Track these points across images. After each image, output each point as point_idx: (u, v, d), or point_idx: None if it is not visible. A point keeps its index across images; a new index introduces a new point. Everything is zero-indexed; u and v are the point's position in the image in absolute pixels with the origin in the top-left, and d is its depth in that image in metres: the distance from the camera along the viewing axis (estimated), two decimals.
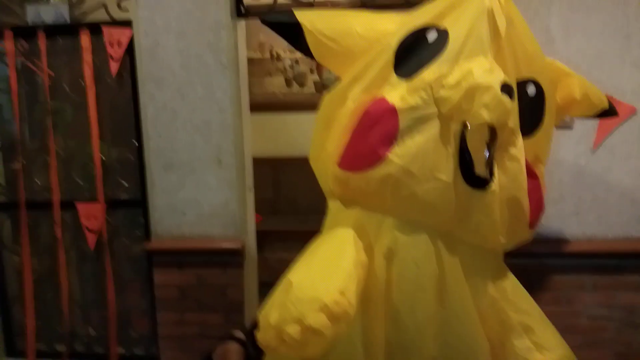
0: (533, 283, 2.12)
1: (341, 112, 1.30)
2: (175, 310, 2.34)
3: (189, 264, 2.30)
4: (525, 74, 1.29)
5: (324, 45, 1.31)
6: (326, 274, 1.18)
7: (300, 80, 4.02)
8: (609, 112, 1.60)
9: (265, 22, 1.36)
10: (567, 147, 2.04)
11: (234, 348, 1.89)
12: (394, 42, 1.25)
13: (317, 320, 1.08)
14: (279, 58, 3.96)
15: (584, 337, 2.16)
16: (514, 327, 1.34)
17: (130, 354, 2.57)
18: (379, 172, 1.20)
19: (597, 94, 1.54)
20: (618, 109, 1.99)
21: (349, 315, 1.13)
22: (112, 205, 2.40)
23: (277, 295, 1.19)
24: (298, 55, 3.87)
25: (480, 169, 1.19)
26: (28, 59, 2.37)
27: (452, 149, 1.18)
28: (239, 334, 1.93)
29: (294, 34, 1.31)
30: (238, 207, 2.26)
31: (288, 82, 4.03)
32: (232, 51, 2.17)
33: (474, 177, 1.19)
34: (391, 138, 1.19)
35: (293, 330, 1.08)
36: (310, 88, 3.99)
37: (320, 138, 1.37)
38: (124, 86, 2.32)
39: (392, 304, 1.28)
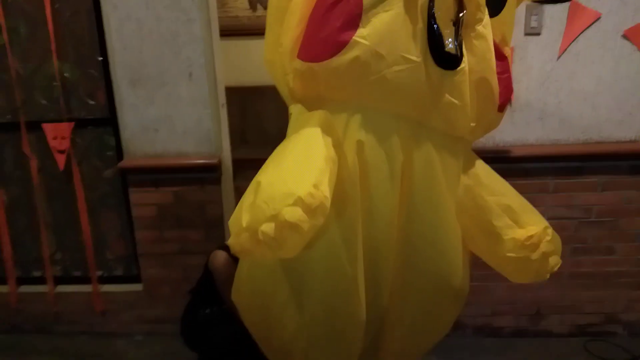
0: None
1: (293, 2, 1.22)
2: (153, 228, 2.36)
3: (165, 182, 2.29)
4: None
5: None
6: (297, 170, 1.13)
7: (265, 2, 3.87)
8: None
9: None
10: (533, 54, 2.09)
11: (220, 254, 1.96)
12: None
13: (293, 214, 1.03)
14: None
15: None
16: (492, 209, 1.37)
17: (110, 274, 2.60)
18: (345, 57, 1.14)
19: None
20: (583, 14, 2.06)
21: (325, 207, 1.09)
22: (80, 124, 2.32)
23: (246, 198, 1.11)
24: None
25: (449, 46, 1.15)
26: None
27: (419, 25, 1.13)
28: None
29: None
30: (212, 124, 2.24)
31: (252, 4, 3.88)
32: None
33: (443, 57, 1.16)
34: (355, 18, 1.12)
35: (268, 228, 1.03)
36: None
37: (273, 35, 1.29)
38: None
39: (367, 196, 1.28)
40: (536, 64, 2.11)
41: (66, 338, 2.56)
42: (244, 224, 1.06)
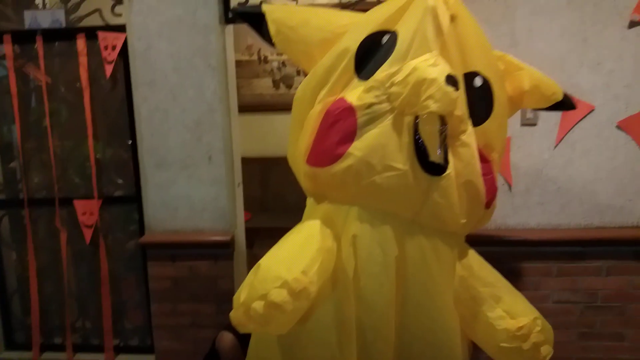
0: (503, 270, 2.27)
1: (310, 113, 1.43)
2: (168, 301, 2.46)
3: (182, 257, 2.42)
4: (472, 67, 1.41)
5: (283, 33, 1.47)
6: (291, 257, 1.32)
7: (287, 81, 4.17)
8: (564, 104, 1.68)
9: (234, 13, 1.54)
10: (531, 143, 2.20)
11: (227, 336, 2.06)
12: (352, 47, 1.38)
13: (279, 295, 1.21)
14: (266, 60, 4.11)
15: (551, 319, 2.24)
16: (485, 300, 1.46)
17: (125, 344, 2.69)
18: (341, 165, 1.33)
19: (549, 86, 1.62)
20: (577, 107, 2.18)
21: (308, 292, 1.26)
22: (108, 201, 2.52)
23: (248, 277, 1.33)
24: (285, 57, 4.02)
25: (434, 156, 1.30)
26: (26, 62, 2.49)
27: (407, 139, 1.30)
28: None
29: (259, 23, 1.47)
30: (228, 202, 2.39)
31: (275, 84, 4.18)
32: (221, 54, 2.30)
33: (430, 164, 1.31)
34: (351, 134, 1.33)
35: (258, 306, 1.21)
36: (296, 89, 4.13)
37: (294, 138, 1.51)
38: (118, 88, 2.45)
39: (360, 286, 1.39)
40: (534, 152, 2.21)
41: None
42: (241, 300, 1.27)
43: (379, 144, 1.31)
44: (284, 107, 4.14)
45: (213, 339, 2.15)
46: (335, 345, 1.38)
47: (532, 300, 2.27)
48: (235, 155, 2.47)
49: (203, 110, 2.30)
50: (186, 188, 2.38)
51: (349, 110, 1.32)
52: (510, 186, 2.23)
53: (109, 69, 2.35)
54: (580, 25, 2.09)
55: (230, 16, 2.33)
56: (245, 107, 3.84)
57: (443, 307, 1.46)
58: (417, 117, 1.29)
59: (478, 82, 1.42)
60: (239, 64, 2.81)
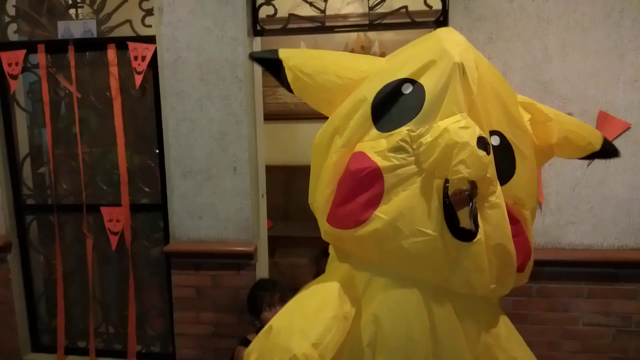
0: (532, 290, 2.23)
1: (326, 163, 1.37)
2: (191, 309, 2.48)
3: (205, 266, 2.43)
4: (493, 125, 1.33)
5: (301, 80, 1.40)
6: (304, 324, 1.26)
7: None
8: (605, 153, 1.52)
9: (252, 58, 1.50)
10: (563, 161, 2.13)
11: (243, 352, 2.05)
12: (370, 95, 1.31)
13: None
14: None
15: (581, 342, 2.24)
16: None
17: (148, 351, 2.71)
18: (367, 228, 1.26)
19: (582, 136, 1.48)
20: (613, 124, 2.11)
21: None
22: (134, 209, 2.55)
23: (260, 337, 1.30)
24: None
25: (465, 222, 1.23)
26: (58, 71, 2.54)
27: (436, 202, 1.24)
28: (251, 336, 2.09)
29: (276, 69, 1.41)
30: (251, 213, 2.39)
31: None
32: (249, 66, 2.31)
33: (459, 230, 1.24)
34: (377, 198, 1.25)
35: None
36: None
37: (314, 185, 1.44)
38: (146, 98, 2.48)
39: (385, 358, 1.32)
40: (566, 170, 2.15)
41: None
42: None
43: (408, 208, 1.24)
44: (308, 115, 4.21)
45: (232, 353, 2.15)
46: None
47: (562, 322, 2.23)
48: (260, 167, 2.47)
49: (229, 122, 2.31)
50: (211, 198, 2.39)
51: (376, 172, 1.25)
52: (541, 205, 2.17)
53: (138, 79, 2.38)
54: (618, 41, 2.03)
55: (258, 29, 2.34)
56: (270, 116, 3.85)
57: None
58: (446, 180, 1.23)
59: (495, 141, 1.33)
60: (264, 73, 2.81)
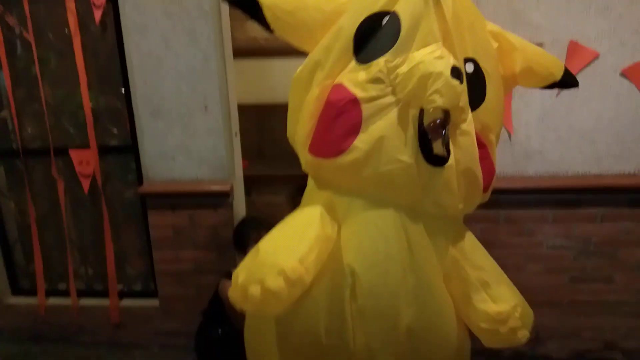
0: (499, 217, 2.33)
1: (307, 97, 1.38)
2: (170, 248, 2.51)
3: (182, 206, 2.44)
4: (467, 52, 1.36)
5: (281, 19, 1.37)
6: (290, 244, 1.33)
7: None
8: (565, 83, 1.57)
9: (226, 0, 1.42)
10: (533, 91, 2.15)
11: (228, 284, 2.12)
12: (351, 28, 1.32)
13: (275, 283, 1.22)
14: None
15: (545, 264, 2.39)
16: (472, 283, 1.49)
17: (129, 289, 2.76)
18: (346, 157, 1.31)
19: (545, 67, 1.53)
20: (582, 54, 2.13)
21: (303, 281, 1.28)
22: (104, 151, 2.49)
23: (247, 259, 1.35)
24: None
25: (438, 149, 1.29)
26: (9, 9, 2.37)
27: (411, 131, 1.28)
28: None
29: (253, 9, 1.35)
30: (225, 152, 2.37)
31: None
32: None
33: (433, 156, 1.30)
34: (356, 127, 1.29)
35: (255, 290, 1.23)
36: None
37: (293, 119, 1.46)
38: (107, 34, 2.36)
39: (364, 277, 1.39)
40: (535, 101, 2.18)
41: (88, 348, 2.73)
42: (239, 282, 1.28)
43: (385, 137, 1.29)
44: (280, 52, 4.09)
45: (216, 286, 2.21)
46: (323, 330, 1.40)
47: (527, 247, 2.35)
48: (232, 104, 2.42)
49: (197, 58, 2.23)
50: (182, 138, 2.36)
51: (354, 102, 1.29)
52: (510, 135, 2.22)
53: (97, 14, 2.25)
54: None
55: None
56: (239, 52, 3.72)
57: (442, 290, 1.49)
58: (421, 110, 1.26)
59: (469, 68, 1.37)
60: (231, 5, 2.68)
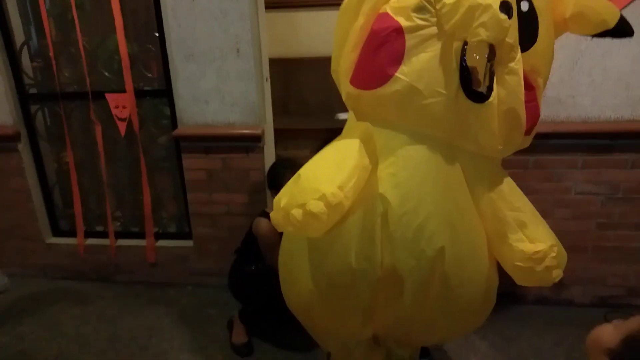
0: (529, 162, 2.34)
1: (353, 27, 1.38)
2: (204, 191, 2.59)
3: (215, 149, 2.51)
4: None
5: None
6: (330, 171, 1.39)
7: None
8: (619, 31, 1.48)
9: None
10: (567, 33, 2.12)
11: (263, 222, 2.20)
12: None
13: (316, 206, 1.29)
14: None
15: (572, 210, 2.40)
16: (509, 223, 1.49)
17: (164, 231, 2.88)
18: (387, 89, 1.32)
19: (598, 13, 1.44)
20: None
21: (343, 206, 1.34)
22: (139, 95, 2.55)
23: (288, 185, 1.42)
24: None
25: (477, 84, 1.29)
26: None
27: (453, 65, 1.28)
28: (269, 209, 2.23)
29: None
30: (257, 96, 2.41)
31: None
32: None
33: (473, 92, 1.29)
34: (399, 57, 1.29)
35: (297, 213, 1.31)
36: None
37: (338, 51, 1.47)
38: None
39: (396, 205, 1.40)
40: (570, 43, 2.15)
41: (125, 286, 2.88)
42: (282, 205, 1.36)
43: (427, 69, 1.29)
44: (307, 3, 4.05)
45: (250, 225, 2.30)
46: (353, 255, 1.45)
47: (555, 192, 2.37)
48: (263, 48, 2.44)
49: None
50: (215, 82, 2.40)
51: (398, 31, 1.28)
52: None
53: None
54: None
55: None
56: (265, 4, 3.71)
57: (476, 224, 1.52)
58: (465, 43, 1.25)
59: (524, 6, 1.33)
60: None
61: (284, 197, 1.38)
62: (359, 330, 1.65)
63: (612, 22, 1.46)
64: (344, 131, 1.66)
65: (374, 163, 1.47)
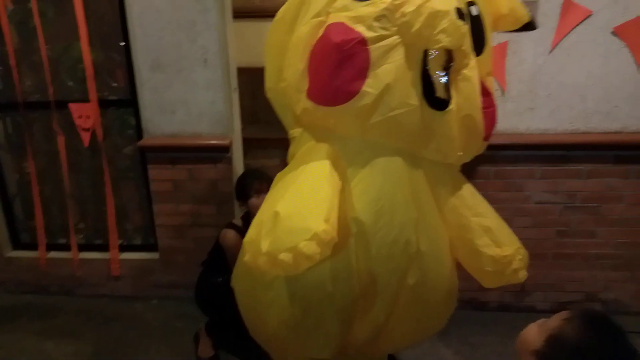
0: (490, 173, 2.41)
1: (294, 37, 1.35)
2: (170, 202, 2.56)
3: (181, 160, 2.48)
4: None
5: None
6: (310, 204, 1.28)
7: None
8: (529, 25, 1.60)
9: None
10: (526, 48, 2.21)
11: (230, 233, 2.19)
12: None
13: (309, 248, 1.19)
14: None
15: (532, 219, 2.48)
16: (474, 229, 1.52)
17: (129, 243, 2.82)
18: (355, 104, 1.28)
19: (521, 9, 1.55)
20: (575, 11, 2.18)
21: (334, 240, 1.25)
22: (103, 105, 2.51)
23: (265, 224, 1.27)
24: None
25: (440, 92, 1.29)
26: None
27: (416, 74, 1.28)
28: (236, 221, 2.22)
29: None
30: (224, 106, 2.40)
31: None
32: None
33: (435, 100, 1.30)
34: (365, 71, 1.25)
35: (286, 257, 1.19)
36: None
37: (274, 66, 1.42)
38: None
39: (369, 225, 1.39)
40: (529, 58, 2.24)
41: (89, 300, 2.80)
42: (264, 250, 1.22)
43: (393, 80, 1.26)
44: (275, 13, 4.07)
45: (217, 237, 2.28)
46: (328, 279, 1.40)
47: (515, 201, 2.44)
48: (230, 59, 2.44)
49: (197, 10, 2.24)
50: (182, 92, 2.38)
51: (362, 43, 1.24)
52: (503, 91, 2.28)
53: None
54: None
55: None
56: (234, 12, 3.71)
57: (443, 228, 1.55)
58: (424, 51, 1.26)
59: (474, 11, 1.35)
60: None
61: (264, 240, 1.24)
62: (332, 349, 1.60)
63: (528, 17, 1.57)
64: (299, 154, 1.53)
65: (344, 181, 1.43)
